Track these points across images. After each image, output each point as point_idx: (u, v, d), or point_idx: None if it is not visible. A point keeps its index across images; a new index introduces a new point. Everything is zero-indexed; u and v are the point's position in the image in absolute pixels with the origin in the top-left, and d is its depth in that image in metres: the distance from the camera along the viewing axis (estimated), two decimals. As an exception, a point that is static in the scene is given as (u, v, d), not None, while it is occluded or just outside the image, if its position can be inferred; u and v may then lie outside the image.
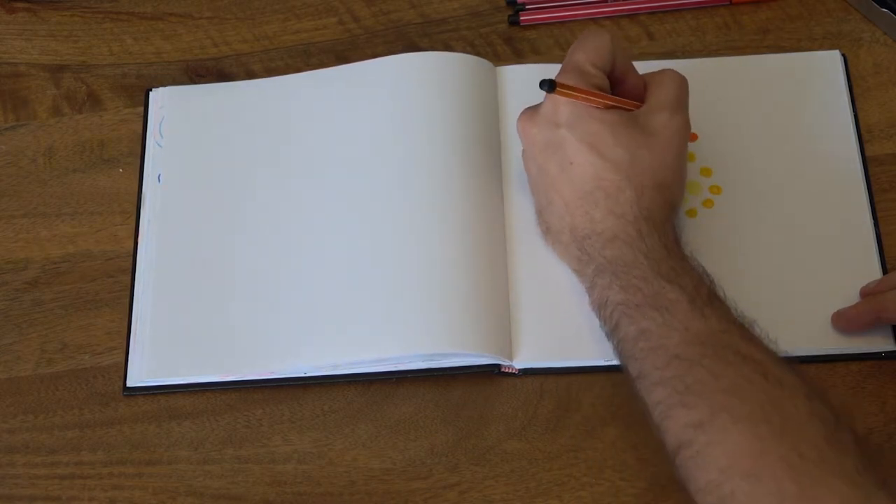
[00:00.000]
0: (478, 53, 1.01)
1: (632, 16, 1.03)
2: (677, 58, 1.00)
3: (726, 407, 0.74)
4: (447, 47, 1.02)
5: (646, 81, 0.89)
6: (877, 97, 0.98)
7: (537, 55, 1.02)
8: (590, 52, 0.87)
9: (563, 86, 0.84)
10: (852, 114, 0.96)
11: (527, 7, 1.04)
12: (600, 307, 0.84)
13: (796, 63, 0.99)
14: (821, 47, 1.00)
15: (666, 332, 0.79)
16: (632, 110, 0.87)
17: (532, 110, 0.88)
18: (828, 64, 0.99)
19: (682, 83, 0.89)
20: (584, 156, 0.85)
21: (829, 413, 0.74)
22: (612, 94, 0.88)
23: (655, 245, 0.83)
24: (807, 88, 0.98)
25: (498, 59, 1.01)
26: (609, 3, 1.03)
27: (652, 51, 1.01)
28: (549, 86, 0.83)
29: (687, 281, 0.81)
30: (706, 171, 0.95)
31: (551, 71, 0.99)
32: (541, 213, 0.90)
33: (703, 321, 0.79)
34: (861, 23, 1.01)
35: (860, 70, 0.99)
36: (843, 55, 0.99)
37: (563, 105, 0.86)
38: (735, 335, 0.78)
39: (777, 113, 0.97)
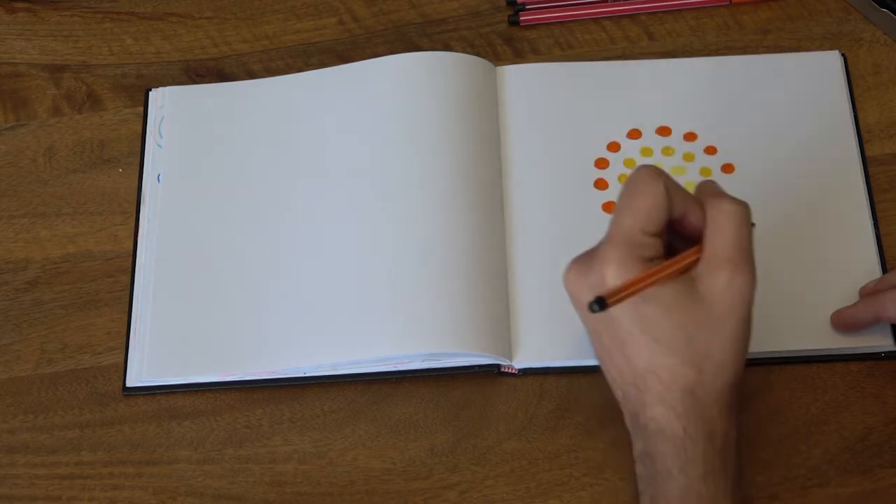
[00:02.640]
0: (478, 53, 1.01)
1: (632, 16, 1.03)
2: (677, 57, 1.00)
3: None
4: (447, 47, 1.02)
5: (705, 217, 0.77)
6: (877, 97, 0.98)
7: (537, 55, 1.02)
8: (639, 215, 0.75)
9: (614, 293, 0.74)
10: (852, 114, 0.96)
11: (527, 7, 1.04)
12: (638, 482, 0.80)
13: (796, 63, 0.99)
14: (821, 47, 1.00)
15: None
16: (694, 261, 0.76)
17: (582, 265, 0.78)
18: (828, 64, 0.99)
19: (742, 221, 0.76)
20: (637, 339, 0.76)
21: None
22: (671, 248, 0.78)
23: (697, 457, 0.75)
24: (807, 88, 0.98)
25: (498, 59, 1.01)
26: (609, 3, 1.03)
27: (652, 51, 1.01)
28: (598, 305, 0.73)
29: None
30: (706, 172, 0.95)
31: (551, 71, 0.99)
32: (599, 359, 0.82)
33: None
34: (861, 23, 1.01)
35: (860, 70, 0.99)
36: (843, 55, 0.99)
37: (611, 279, 0.75)
38: None
39: (777, 113, 0.97)
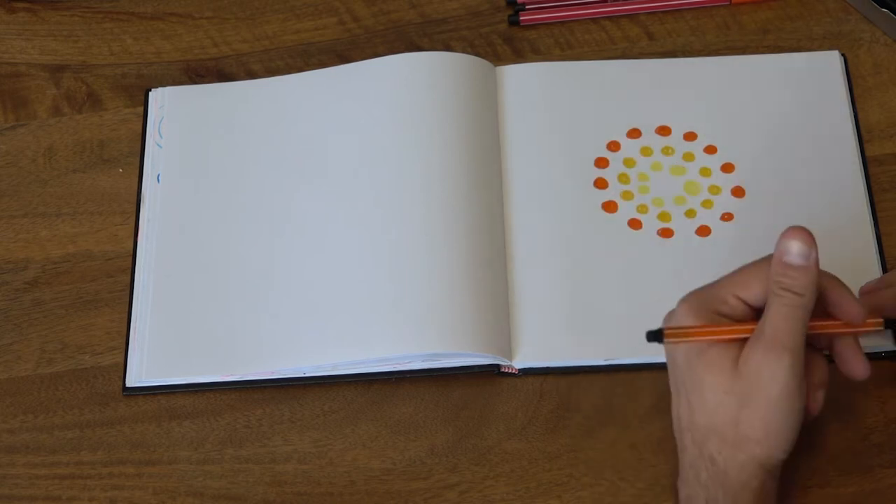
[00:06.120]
0: (478, 53, 1.01)
1: (632, 16, 1.03)
2: (677, 57, 1.00)
3: None
4: (447, 47, 1.02)
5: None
6: (877, 97, 0.98)
7: (537, 55, 1.02)
8: (737, 280, 0.78)
9: (673, 331, 0.77)
10: (852, 114, 0.96)
11: (527, 7, 1.04)
12: None
13: (796, 63, 0.99)
14: (821, 47, 1.00)
15: None
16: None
17: (689, 295, 0.80)
18: (827, 64, 0.99)
19: (798, 312, 0.76)
20: (683, 393, 0.78)
21: None
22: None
23: None
24: (807, 88, 0.98)
25: (498, 59, 1.01)
26: (609, 3, 1.03)
27: (652, 51, 1.02)
28: (654, 336, 0.77)
29: None
30: (705, 171, 0.95)
31: (551, 71, 1.00)
32: None
33: None
34: (861, 23, 1.01)
35: (860, 70, 0.99)
36: (843, 55, 0.99)
37: (678, 318, 0.78)
38: None
39: (777, 113, 0.97)
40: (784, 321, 0.75)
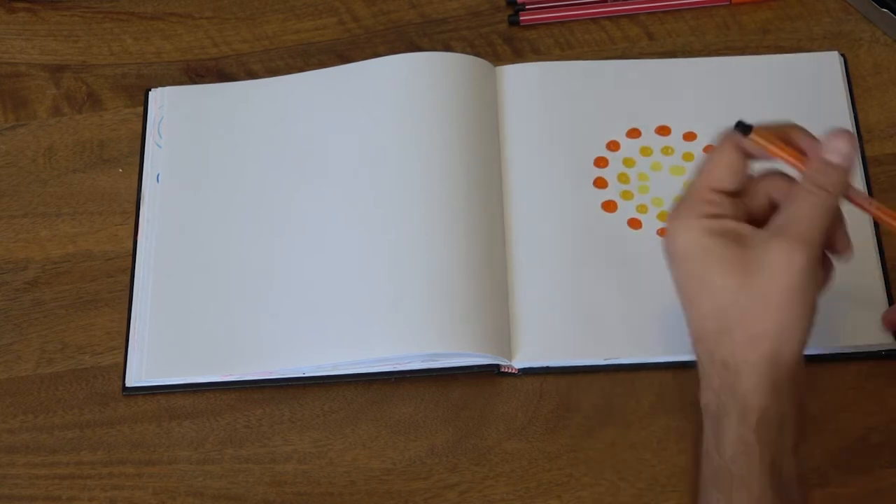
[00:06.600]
0: (477, 53, 1.01)
1: (632, 16, 1.03)
2: (677, 57, 1.00)
3: None
4: (447, 47, 1.02)
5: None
6: (877, 97, 0.98)
7: (537, 55, 1.02)
8: (707, 173, 0.77)
9: (762, 131, 0.76)
10: (852, 114, 0.97)
11: (527, 7, 1.04)
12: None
13: (796, 63, 0.99)
14: (821, 47, 1.00)
15: None
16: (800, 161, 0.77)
17: (673, 209, 0.78)
18: (827, 64, 0.99)
19: (826, 211, 0.75)
20: (694, 287, 0.76)
21: None
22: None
23: (728, 437, 0.73)
24: (806, 89, 0.98)
25: (498, 59, 1.01)
26: (609, 3, 1.03)
27: (652, 51, 1.02)
28: (742, 128, 0.76)
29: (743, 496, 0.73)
30: (706, 171, 0.95)
31: (551, 70, 1.00)
32: None
33: None
34: (861, 23, 1.01)
35: (860, 70, 0.99)
36: (843, 56, 0.99)
37: (672, 230, 0.76)
38: None
39: (776, 113, 0.96)
40: (810, 217, 0.75)
